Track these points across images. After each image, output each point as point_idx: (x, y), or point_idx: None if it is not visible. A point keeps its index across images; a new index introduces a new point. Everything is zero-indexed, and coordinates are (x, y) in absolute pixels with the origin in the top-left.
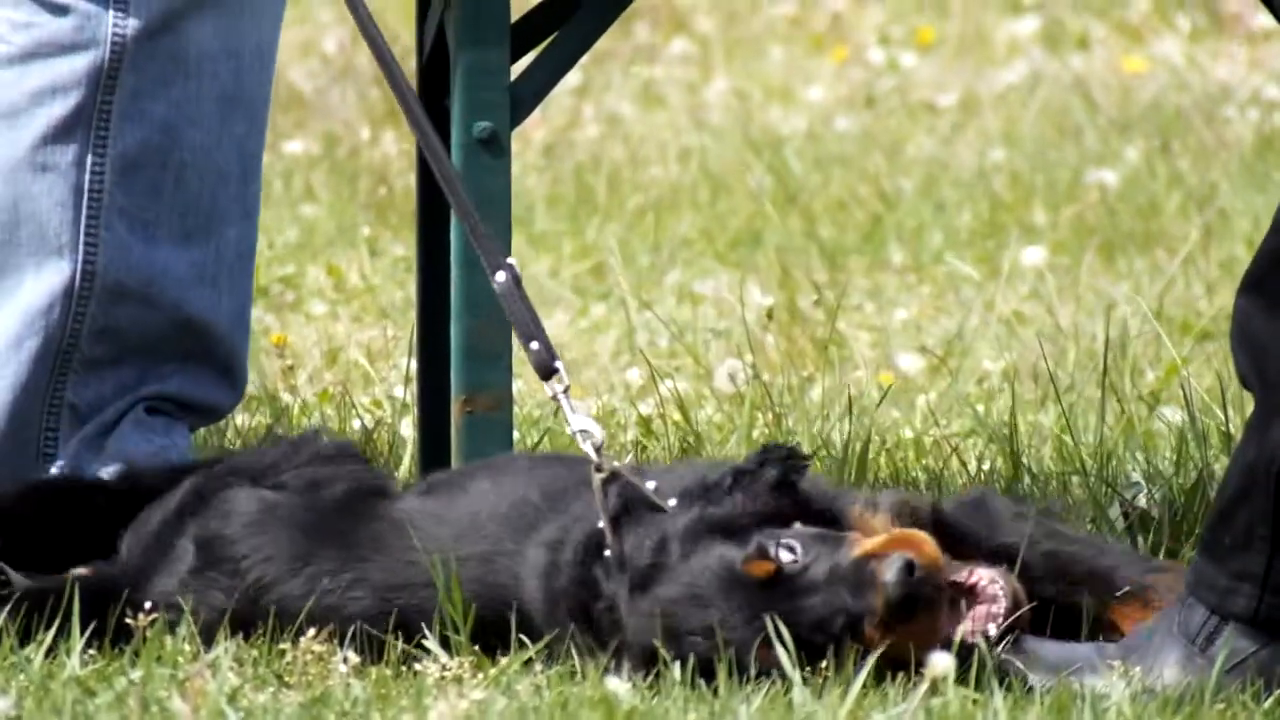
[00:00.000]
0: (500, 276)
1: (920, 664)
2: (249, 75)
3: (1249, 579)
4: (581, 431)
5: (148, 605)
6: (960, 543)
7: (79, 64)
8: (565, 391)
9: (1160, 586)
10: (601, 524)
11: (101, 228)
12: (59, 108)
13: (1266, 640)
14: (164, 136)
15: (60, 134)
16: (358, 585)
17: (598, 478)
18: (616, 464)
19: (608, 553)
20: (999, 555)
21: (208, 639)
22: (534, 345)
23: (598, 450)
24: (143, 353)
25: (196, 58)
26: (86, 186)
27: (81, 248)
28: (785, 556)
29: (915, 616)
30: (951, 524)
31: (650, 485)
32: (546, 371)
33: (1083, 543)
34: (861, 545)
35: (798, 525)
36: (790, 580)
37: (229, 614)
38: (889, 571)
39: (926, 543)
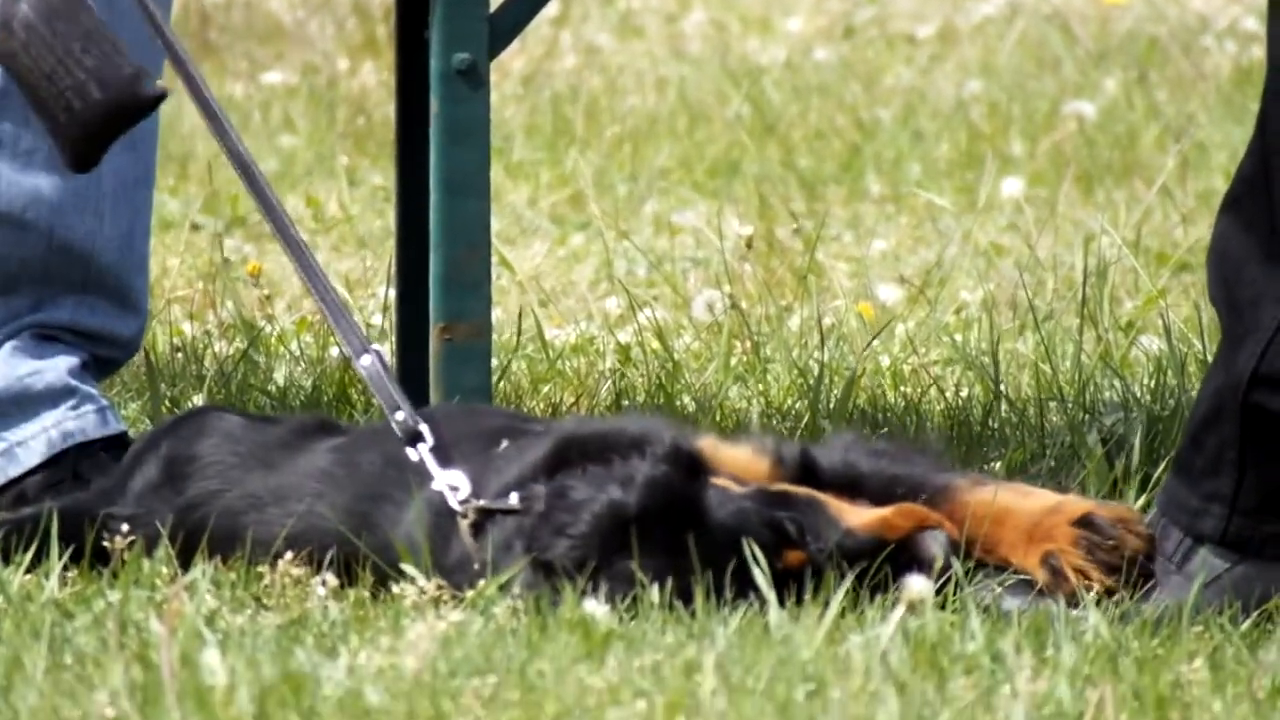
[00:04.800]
0: (366, 360)
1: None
2: (113, 10)
3: (1218, 500)
4: (450, 487)
5: (119, 526)
6: (825, 483)
7: None
8: (432, 450)
9: (960, 486)
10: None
11: None
12: None
13: (1238, 559)
14: None
15: None
16: (261, 505)
17: (464, 523)
18: (481, 503)
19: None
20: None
21: (149, 552)
22: (399, 415)
23: (464, 503)
24: (35, 283)
25: None
26: None
27: None
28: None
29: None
30: (821, 467)
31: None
32: (412, 437)
33: (902, 461)
34: (861, 517)
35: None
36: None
37: (168, 527)
38: (936, 547)
39: (938, 520)
